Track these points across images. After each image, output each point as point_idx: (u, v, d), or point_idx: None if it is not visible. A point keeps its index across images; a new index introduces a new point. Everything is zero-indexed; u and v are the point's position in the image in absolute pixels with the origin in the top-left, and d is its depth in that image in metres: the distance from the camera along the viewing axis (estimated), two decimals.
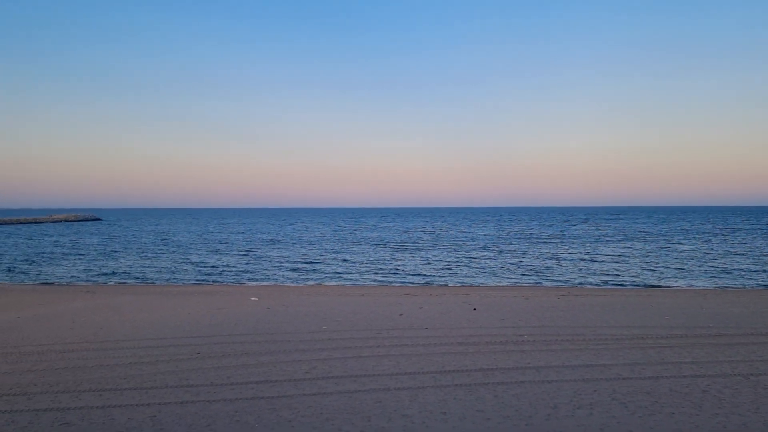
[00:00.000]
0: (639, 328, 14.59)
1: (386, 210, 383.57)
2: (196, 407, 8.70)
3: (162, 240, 67.64)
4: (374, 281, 30.46)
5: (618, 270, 33.77)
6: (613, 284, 28.13)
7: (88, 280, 31.39)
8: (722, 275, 31.13)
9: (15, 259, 42.92)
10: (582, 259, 40.31)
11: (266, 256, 45.97)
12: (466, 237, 69.87)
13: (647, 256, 42.36)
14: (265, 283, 29.90)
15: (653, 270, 33.68)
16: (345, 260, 41.73)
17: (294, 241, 64.07)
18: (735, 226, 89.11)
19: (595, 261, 39.20)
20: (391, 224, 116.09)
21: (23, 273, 34.93)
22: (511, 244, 57.10)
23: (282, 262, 40.58)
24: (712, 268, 34.12)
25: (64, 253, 48.36)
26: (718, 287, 26.62)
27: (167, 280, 31.56)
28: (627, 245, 53.03)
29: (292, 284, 29.45)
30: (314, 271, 35.65)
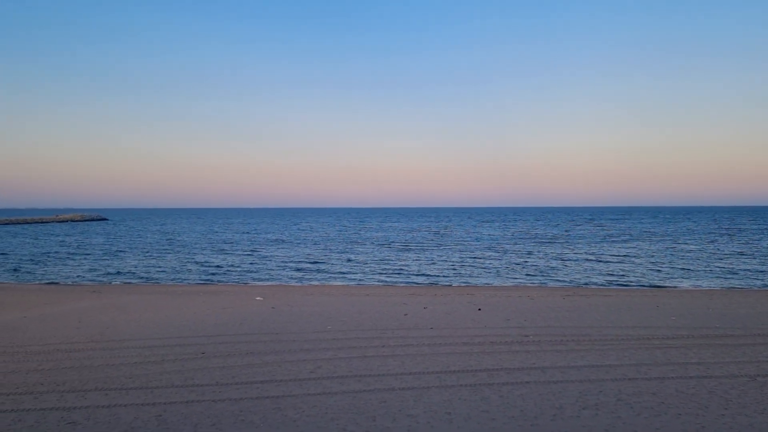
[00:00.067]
0: (645, 329, 14.53)
1: (390, 210, 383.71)
2: (202, 406, 8.72)
3: (167, 240, 67.84)
4: (379, 281, 30.46)
5: (623, 270, 33.65)
6: (618, 284, 28.03)
7: (93, 280, 31.52)
8: (729, 275, 30.97)
9: (21, 259, 43.14)
10: (587, 260, 40.19)
11: (271, 255, 46.04)
12: (470, 237, 69.79)
13: (653, 256, 42.19)
14: (269, 283, 29.95)
15: (659, 270, 33.54)
16: (349, 260, 41.75)
17: (298, 241, 64.14)
18: (741, 226, 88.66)
19: (601, 261, 39.08)
20: (396, 224, 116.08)
21: (29, 273, 35.09)
22: (515, 244, 56.99)
23: (287, 262, 40.63)
24: (719, 269, 33.96)
25: (69, 253, 48.57)
26: (725, 288, 26.49)
27: (172, 279, 31.65)
28: (632, 245, 52.84)
29: (297, 284, 29.48)
30: (319, 271, 35.68)
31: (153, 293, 24.15)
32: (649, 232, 76.21)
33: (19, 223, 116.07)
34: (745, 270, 33.30)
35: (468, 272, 33.77)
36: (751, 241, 56.33)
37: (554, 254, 44.58)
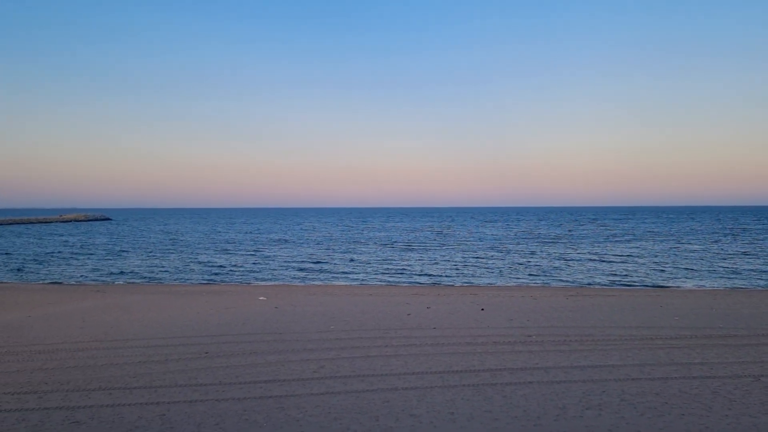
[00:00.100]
0: (648, 329, 14.50)
1: (393, 210, 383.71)
2: (205, 406, 8.74)
3: (170, 240, 67.97)
4: (382, 281, 30.47)
5: (627, 270, 33.59)
6: (621, 285, 27.98)
7: (96, 280, 31.60)
8: (732, 275, 30.89)
9: (25, 259, 43.28)
10: (590, 260, 40.13)
11: (274, 255, 46.09)
12: (473, 237, 69.74)
13: (656, 256, 42.11)
14: (272, 283, 29.98)
15: (662, 270, 33.48)
16: (352, 260, 41.77)
17: (301, 241, 64.19)
18: (745, 226, 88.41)
19: (604, 261, 39.02)
20: (398, 224, 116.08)
21: (33, 272, 35.20)
22: (518, 244, 56.93)
23: (289, 262, 40.67)
24: (722, 269, 33.87)
25: (73, 253, 48.71)
26: (729, 288, 26.42)
27: (176, 279, 31.72)
28: (636, 245, 52.74)
29: (300, 284, 29.51)
30: (321, 270, 35.70)
31: (156, 293, 24.21)
32: (653, 232, 76.05)
33: (23, 223, 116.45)
34: (748, 270, 33.21)
35: (471, 272, 33.75)
36: (755, 241, 56.16)
37: (557, 254, 44.52)
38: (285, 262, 41.02)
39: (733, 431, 7.56)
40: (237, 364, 11.28)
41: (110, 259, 42.93)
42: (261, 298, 21.84)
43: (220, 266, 38.06)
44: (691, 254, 43.20)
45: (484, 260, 40.66)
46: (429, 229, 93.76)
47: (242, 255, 46.70)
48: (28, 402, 9.01)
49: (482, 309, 18.14)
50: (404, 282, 29.97)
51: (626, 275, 31.32)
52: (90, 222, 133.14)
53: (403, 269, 35.54)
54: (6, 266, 38.48)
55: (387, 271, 34.56)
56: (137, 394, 9.36)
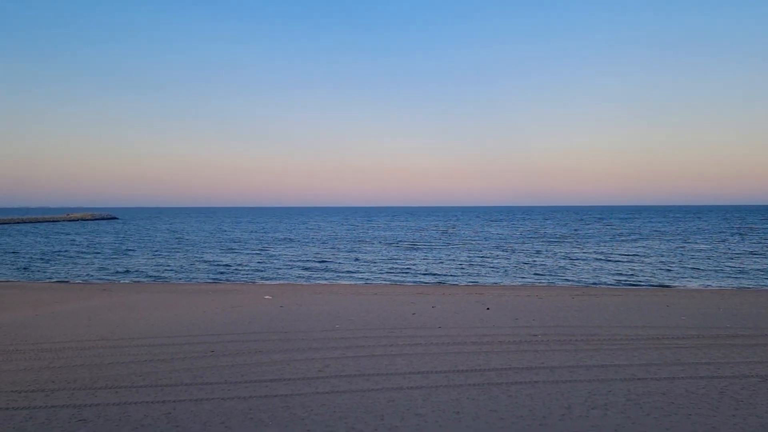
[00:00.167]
0: (654, 329, 14.44)
1: (398, 209, 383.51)
2: (211, 404, 8.76)
3: (176, 239, 68.20)
4: (387, 280, 30.47)
5: (633, 270, 33.46)
6: (628, 284, 27.88)
7: (103, 279, 31.74)
8: (739, 275, 30.72)
9: (32, 258, 43.52)
10: (596, 259, 40.00)
11: (279, 254, 46.17)
12: (478, 236, 69.64)
13: (663, 255, 41.92)
14: (278, 282, 30.04)
15: (669, 270, 33.33)
16: (357, 259, 41.78)
17: (306, 240, 64.27)
18: (753, 226, 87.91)
19: (610, 260, 38.88)
20: (403, 223, 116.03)
21: (40, 271, 35.40)
22: (524, 243, 56.81)
23: (295, 261, 40.73)
24: (729, 268, 33.69)
25: (80, 252, 48.95)
26: (736, 287, 26.28)
27: (181, 278, 31.82)
28: (642, 245, 52.53)
29: (305, 283, 29.55)
30: (327, 270, 35.74)
31: (162, 292, 24.30)
32: (659, 231, 75.73)
33: (31, 222, 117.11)
34: (756, 270, 33.01)
35: (476, 271, 33.71)
36: (762, 241, 55.83)
37: (563, 254, 44.40)
38: (290, 261, 41.08)
39: None
40: (242, 362, 11.30)
41: (116, 258, 43.11)
42: (266, 297, 21.88)
43: (226, 265, 38.16)
44: (698, 254, 42.99)
45: (489, 259, 40.59)
46: (434, 228, 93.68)
47: (247, 254, 46.81)
48: (36, 400, 9.06)
49: (487, 308, 18.11)
50: (409, 281, 29.96)
51: (632, 275, 31.20)
52: (97, 221, 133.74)
53: (408, 268, 35.53)
54: (13, 265, 38.71)
55: (392, 271, 34.56)
56: (143, 393, 9.39)
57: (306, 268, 36.36)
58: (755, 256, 41.04)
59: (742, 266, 34.57)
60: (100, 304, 20.05)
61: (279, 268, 36.45)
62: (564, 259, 40.34)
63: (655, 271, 32.53)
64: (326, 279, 31.34)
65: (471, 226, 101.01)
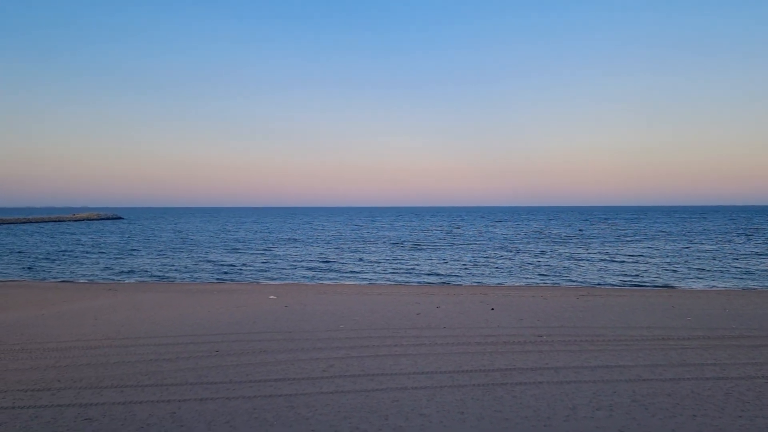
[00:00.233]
0: (660, 329, 14.39)
1: (403, 209, 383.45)
2: (216, 404, 8.78)
3: (181, 239, 68.38)
4: (391, 280, 30.46)
5: (638, 270, 33.35)
6: (633, 285, 27.78)
7: (108, 278, 31.85)
8: (745, 276, 30.58)
9: (37, 257, 43.72)
10: (601, 259, 39.89)
11: (283, 254, 46.23)
12: (483, 236, 69.55)
13: (668, 256, 41.77)
14: (282, 282, 30.07)
15: (674, 270, 33.20)
16: (361, 259, 41.79)
17: (311, 240, 64.33)
18: (759, 226, 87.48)
19: (615, 261, 38.76)
20: (408, 223, 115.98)
21: (45, 271, 35.55)
22: (528, 243, 56.70)
23: (299, 261, 40.77)
24: (735, 269, 33.54)
25: (85, 251, 49.14)
26: (742, 288, 26.16)
27: (186, 278, 31.90)
28: (647, 245, 52.35)
29: (310, 283, 29.58)
30: (331, 270, 35.76)
31: (167, 291, 24.37)
32: (664, 231, 75.46)
33: (36, 222, 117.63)
34: (762, 270, 32.85)
35: (481, 272, 33.66)
36: None
37: (568, 254, 44.29)
38: (295, 261, 41.13)
39: None
40: (247, 362, 11.33)
41: (121, 258, 43.26)
42: (271, 297, 21.91)
43: (230, 265, 38.23)
44: (704, 254, 42.81)
45: (493, 260, 40.54)
46: (438, 228, 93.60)
47: (252, 254, 46.89)
48: (42, 399, 9.11)
49: (492, 309, 18.09)
50: (413, 281, 29.94)
51: (637, 275, 31.09)
52: (102, 221, 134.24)
53: (413, 269, 35.51)
54: (19, 264, 38.90)
55: (396, 271, 34.55)
56: (148, 392, 9.42)
57: (310, 268, 36.39)
58: (761, 256, 40.83)
59: (748, 267, 34.40)
60: (106, 304, 20.13)
61: (283, 268, 36.50)
62: (569, 259, 40.24)
63: (660, 272, 32.41)
64: (330, 279, 31.35)
65: (475, 226, 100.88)
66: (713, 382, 9.69)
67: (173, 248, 53.20)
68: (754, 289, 25.93)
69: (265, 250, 51.42)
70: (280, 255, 45.89)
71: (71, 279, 31.63)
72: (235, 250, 50.44)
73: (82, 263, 39.69)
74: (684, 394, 9.08)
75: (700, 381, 9.78)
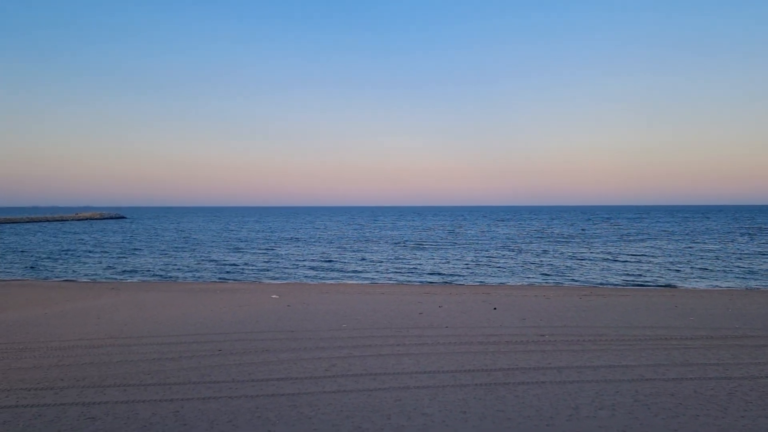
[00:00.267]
0: (663, 329, 14.37)
1: (405, 209, 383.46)
2: (218, 403, 8.80)
3: (183, 238, 68.47)
4: (393, 280, 30.47)
5: (641, 270, 33.30)
6: (635, 284, 27.74)
7: (110, 278, 31.91)
8: (749, 276, 30.50)
9: (39, 256, 43.83)
10: (604, 259, 39.83)
11: (286, 254, 46.27)
12: (485, 236, 69.50)
13: (671, 255, 41.69)
14: (285, 281, 30.10)
15: (677, 270, 33.14)
16: (364, 259, 41.80)
17: (313, 240, 64.37)
18: (762, 225, 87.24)
19: (618, 261, 38.70)
20: (410, 223, 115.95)
21: (48, 270, 35.64)
22: (531, 243, 56.65)
23: (302, 261, 40.81)
24: (738, 269, 33.45)
25: (88, 251, 49.24)
26: (745, 288, 26.10)
27: (189, 277, 31.95)
28: (650, 245, 52.26)
29: (312, 282, 29.60)
30: (333, 269, 35.78)
31: (170, 291, 24.41)
32: (667, 231, 75.31)
33: (40, 221, 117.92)
34: (766, 270, 32.76)
35: (483, 271, 33.65)
36: None
37: (570, 253, 44.24)
38: (297, 260, 41.16)
39: None
40: (250, 361, 11.34)
41: (124, 257, 43.35)
42: (273, 296, 21.94)
43: (233, 264, 38.28)
44: (707, 254, 42.72)
45: (496, 259, 40.51)
46: (441, 227, 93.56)
47: (254, 253, 46.94)
48: (45, 398, 9.13)
49: (494, 308, 18.08)
50: (416, 281, 29.94)
51: (640, 275, 31.04)
52: (105, 220, 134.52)
53: (415, 268, 35.51)
54: (21, 263, 39.00)
55: (399, 270, 34.55)
56: (151, 391, 9.44)
57: (313, 268, 36.42)
58: (765, 256, 40.72)
59: (751, 267, 34.32)
60: (109, 303, 20.17)
61: (286, 268, 36.53)
62: (571, 259, 40.19)
63: (663, 272, 32.35)
64: (333, 278, 31.37)
65: (478, 225, 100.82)
66: (716, 382, 9.67)
67: (176, 247, 53.28)
68: (757, 288, 25.87)
69: (268, 249, 51.47)
70: (282, 254, 45.92)
71: (74, 278, 31.71)
72: (237, 250, 50.51)
73: (85, 262, 39.78)
74: (687, 394, 9.07)
75: (703, 381, 9.76)
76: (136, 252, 48.27)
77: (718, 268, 33.73)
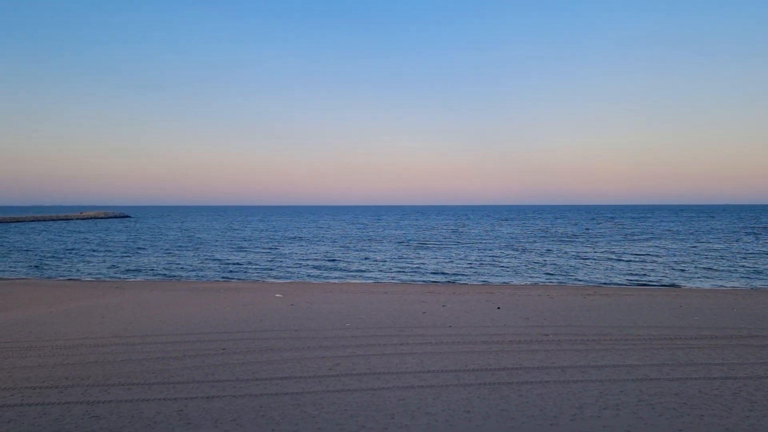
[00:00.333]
0: (667, 329, 14.33)
1: (408, 208, 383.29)
2: (222, 402, 8.81)
3: (187, 237, 68.62)
4: (397, 279, 30.47)
5: (645, 269, 33.20)
6: (640, 284, 27.67)
7: (112, 277, 32.00)
8: (753, 275, 30.39)
9: (44, 255, 43.98)
10: (608, 258, 39.74)
11: (290, 253, 46.31)
12: (489, 235, 69.42)
13: (675, 255, 41.56)
14: (288, 281, 30.14)
15: (682, 270, 33.04)
16: (367, 258, 41.81)
17: (317, 239, 64.41)
18: (767, 225, 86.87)
19: (622, 260, 38.61)
20: (414, 222, 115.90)
21: (52, 269, 35.77)
22: (535, 242, 56.55)
23: (305, 260, 40.84)
24: (743, 268, 33.33)
25: (92, 250, 49.39)
26: (750, 287, 26.00)
27: (193, 276, 32.01)
28: (654, 244, 52.11)
29: (316, 281, 29.62)
30: (337, 268, 35.80)
31: (174, 290, 24.46)
32: (671, 230, 75.08)
33: (44, 220, 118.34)
34: None
35: (487, 271, 33.61)
36: None
37: (574, 253, 44.15)
38: (301, 259, 41.20)
39: None
40: (253, 360, 11.36)
41: (128, 256, 43.46)
42: (277, 295, 21.96)
43: (237, 264, 38.34)
44: (712, 253, 42.58)
45: (499, 259, 40.46)
46: (444, 227, 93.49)
47: (258, 252, 47.00)
48: (50, 396, 9.16)
49: (498, 308, 18.06)
50: (419, 280, 29.94)
51: (644, 274, 30.96)
52: (109, 219, 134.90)
53: (418, 267, 35.50)
54: (26, 262, 39.15)
55: (402, 270, 34.55)
56: (155, 390, 9.47)
57: (316, 267, 36.45)
58: None
59: (756, 266, 34.18)
60: (113, 302, 20.23)
61: (289, 267, 36.57)
62: (575, 258, 40.11)
63: (667, 271, 32.26)
64: (336, 278, 31.39)
65: (481, 225, 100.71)
66: (721, 382, 9.63)
67: (180, 247, 53.40)
68: (762, 288, 25.76)
69: (271, 248, 51.53)
70: (286, 253, 45.97)
71: (78, 277, 31.82)
72: (241, 249, 50.59)
73: (89, 261, 39.90)
74: (691, 393, 9.04)
75: (707, 381, 9.73)
76: (140, 251, 48.39)
77: (723, 268, 33.60)
